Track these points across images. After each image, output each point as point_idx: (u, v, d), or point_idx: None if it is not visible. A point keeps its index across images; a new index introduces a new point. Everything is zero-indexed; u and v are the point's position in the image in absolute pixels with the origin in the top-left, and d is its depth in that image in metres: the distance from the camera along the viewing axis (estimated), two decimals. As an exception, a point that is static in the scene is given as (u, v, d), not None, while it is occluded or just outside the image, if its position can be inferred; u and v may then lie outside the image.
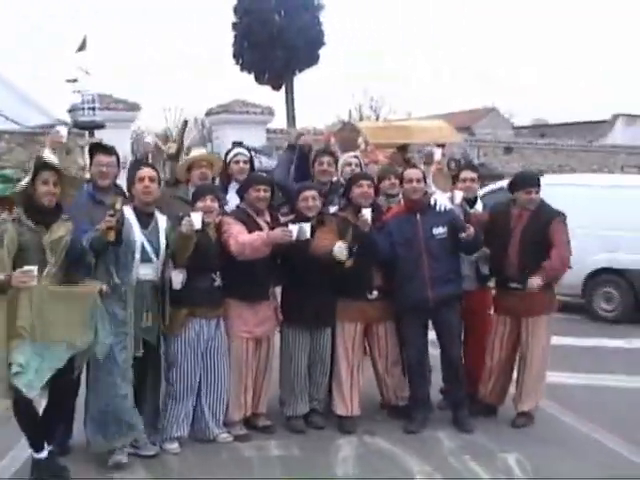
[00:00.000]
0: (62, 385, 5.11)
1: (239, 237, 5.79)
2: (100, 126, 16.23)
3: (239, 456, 5.80)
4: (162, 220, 5.69)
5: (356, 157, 7.21)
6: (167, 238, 5.62)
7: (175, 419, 5.88)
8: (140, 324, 5.49)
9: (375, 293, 6.33)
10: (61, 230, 5.16)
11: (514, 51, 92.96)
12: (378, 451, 5.94)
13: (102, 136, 16.45)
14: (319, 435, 6.28)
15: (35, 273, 4.81)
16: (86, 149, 15.45)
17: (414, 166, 7.08)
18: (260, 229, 5.99)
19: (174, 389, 5.88)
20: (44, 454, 5.15)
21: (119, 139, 15.38)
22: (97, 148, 6.16)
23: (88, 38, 16.75)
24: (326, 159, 6.89)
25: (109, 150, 6.06)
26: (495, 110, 46.00)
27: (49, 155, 5.30)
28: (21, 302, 4.86)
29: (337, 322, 6.40)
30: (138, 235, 5.49)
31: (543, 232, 6.26)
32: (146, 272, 5.51)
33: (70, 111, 18.72)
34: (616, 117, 39.33)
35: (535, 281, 6.09)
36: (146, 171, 5.69)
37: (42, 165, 5.20)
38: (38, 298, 4.90)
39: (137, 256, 5.46)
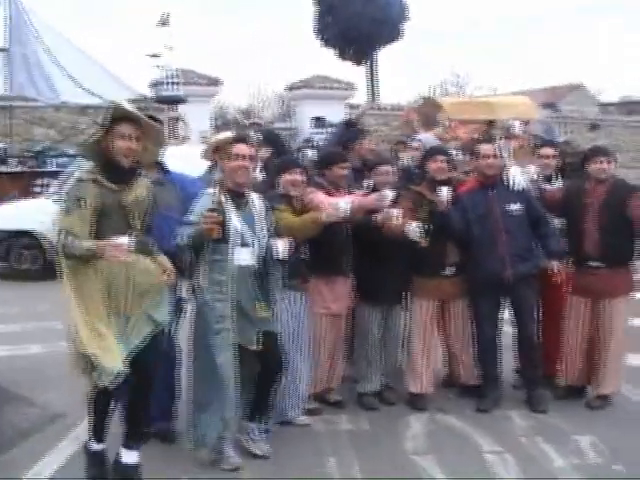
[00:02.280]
0: (146, 367, 4.61)
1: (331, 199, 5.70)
2: (182, 100, 16.46)
3: (309, 430, 5.83)
4: (257, 200, 5.27)
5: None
6: (266, 220, 5.25)
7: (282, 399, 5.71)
8: (253, 315, 5.09)
9: (451, 269, 6.27)
10: (141, 189, 4.61)
11: (602, 27, 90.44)
12: (448, 429, 5.90)
13: (184, 110, 16.73)
14: (390, 411, 6.27)
15: (130, 247, 4.29)
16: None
17: (489, 141, 6.94)
18: None
19: None
20: (102, 446, 4.75)
21: (200, 113, 15.62)
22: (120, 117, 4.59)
23: (170, 14, 17.02)
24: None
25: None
26: (581, 87, 44.92)
27: (127, 105, 4.49)
28: (105, 272, 4.41)
29: (413, 299, 6.37)
30: (233, 218, 5.05)
31: (623, 206, 6.07)
32: (245, 257, 5.06)
33: (153, 86, 19.02)
34: None
35: None
36: (242, 148, 5.18)
37: (121, 116, 4.45)
38: (127, 269, 4.47)
39: (235, 241, 5.04)
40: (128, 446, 4.76)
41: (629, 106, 42.19)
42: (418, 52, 72.92)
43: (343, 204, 5.34)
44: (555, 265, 6.15)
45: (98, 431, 4.73)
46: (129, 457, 4.75)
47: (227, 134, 6.82)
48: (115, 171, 4.48)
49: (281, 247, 5.09)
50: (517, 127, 8.71)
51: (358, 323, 6.37)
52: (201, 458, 5.16)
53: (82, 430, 5.68)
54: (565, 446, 5.50)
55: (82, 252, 4.31)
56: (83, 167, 4.54)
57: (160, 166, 5.53)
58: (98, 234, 4.39)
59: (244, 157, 5.17)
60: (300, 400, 5.90)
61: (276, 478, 5.06)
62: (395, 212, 5.71)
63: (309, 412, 6.06)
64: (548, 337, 6.45)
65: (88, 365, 4.42)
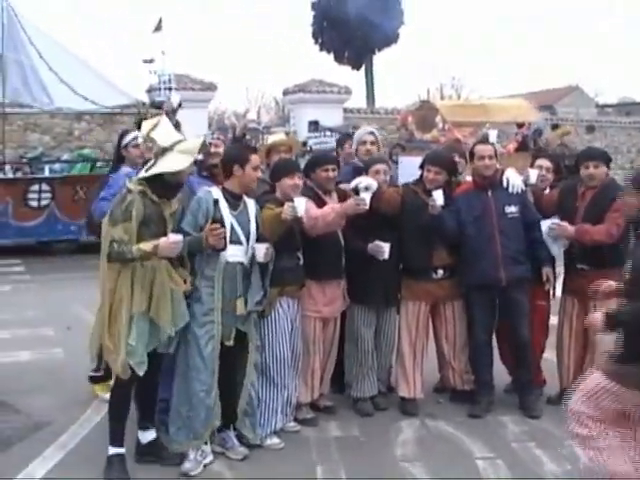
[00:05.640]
0: (157, 366, 5.11)
1: (311, 211, 5.63)
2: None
3: (297, 437, 5.75)
4: (251, 203, 5.45)
5: (372, 134, 6.93)
6: (257, 221, 5.41)
7: (274, 410, 5.65)
8: (232, 312, 5.22)
9: (440, 272, 6.19)
10: (176, 204, 5.16)
11: (600, 29, 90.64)
12: (439, 434, 5.82)
13: (178, 116, 16.64)
14: (381, 417, 6.18)
15: (180, 243, 4.86)
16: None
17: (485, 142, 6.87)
18: None
19: (270, 377, 5.64)
20: (122, 450, 5.02)
21: (195, 119, 15.51)
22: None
23: (164, 19, 16.95)
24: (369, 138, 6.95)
25: None
26: (579, 88, 45.00)
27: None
28: (142, 276, 4.86)
29: (402, 301, 6.30)
30: (227, 216, 5.22)
31: (606, 211, 5.98)
32: (235, 254, 5.23)
33: (148, 92, 18.97)
34: None
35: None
36: (257, 159, 5.47)
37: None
38: (160, 275, 4.91)
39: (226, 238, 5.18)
40: (144, 427, 5.28)
41: (627, 107, 42.20)
42: (416, 55, 73.07)
43: (297, 203, 5.33)
44: (547, 271, 6.12)
45: (118, 433, 5.03)
46: (147, 436, 5.29)
47: (280, 136, 6.83)
48: (162, 187, 4.98)
49: (261, 251, 5.27)
50: (493, 136, 8.66)
51: (349, 326, 6.28)
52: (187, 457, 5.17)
53: (68, 437, 5.71)
54: (558, 452, 5.41)
55: (134, 255, 4.78)
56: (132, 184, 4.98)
57: None
58: (137, 240, 4.84)
59: (260, 169, 5.51)
60: (289, 407, 5.81)
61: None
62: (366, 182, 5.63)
63: (305, 422, 5.97)
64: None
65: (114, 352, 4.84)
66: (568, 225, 5.97)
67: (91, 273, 5.50)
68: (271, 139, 6.69)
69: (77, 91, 16.27)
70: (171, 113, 7.10)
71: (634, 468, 4.35)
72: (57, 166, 16.82)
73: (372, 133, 6.90)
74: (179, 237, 4.86)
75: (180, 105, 15.17)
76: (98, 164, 16.77)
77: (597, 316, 4.62)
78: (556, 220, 6.13)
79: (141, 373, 4.86)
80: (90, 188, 15.10)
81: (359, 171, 6.29)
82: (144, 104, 18.67)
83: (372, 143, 6.77)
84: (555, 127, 19.57)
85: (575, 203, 6.17)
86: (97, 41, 65.83)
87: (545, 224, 6.18)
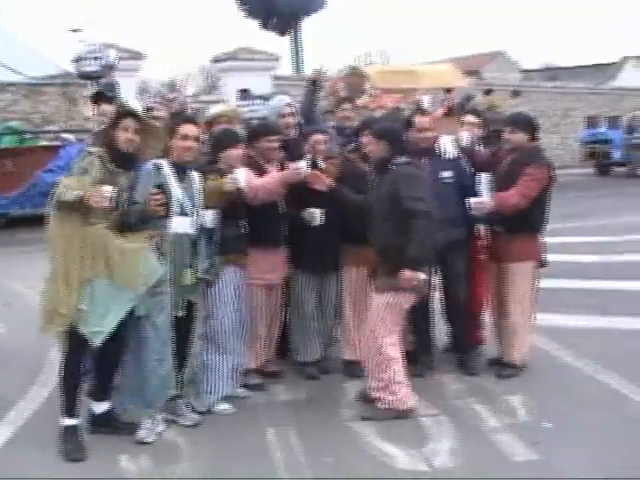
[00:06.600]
0: (121, 336, 5.08)
1: (252, 182, 5.68)
2: (103, 75, 16.14)
3: (247, 402, 5.85)
4: (195, 176, 5.48)
5: (289, 105, 6.78)
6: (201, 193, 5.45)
7: (221, 376, 5.75)
8: (181, 282, 5.28)
9: (380, 238, 6.30)
10: (129, 177, 5.21)
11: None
12: (384, 394, 5.97)
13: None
14: (326, 379, 6.34)
15: (110, 194, 4.78)
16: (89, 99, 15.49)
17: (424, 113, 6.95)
18: None
19: (217, 344, 5.73)
20: (76, 421, 5.08)
21: (124, 88, 15.33)
22: (101, 98, 6.39)
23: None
24: (347, 106, 7.16)
25: (111, 100, 6.21)
26: (503, 54, 45.47)
27: (133, 103, 5.37)
28: (92, 241, 4.88)
29: (344, 267, 6.42)
30: (175, 188, 5.29)
31: (517, 177, 6.10)
32: (183, 226, 5.31)
33: (75, 61, 18.66)
34: (626, 59, 38.97)
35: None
36: (189, 129, 5.41)
37: (124, 112, 5.19)
38: (112, 238, 4.93)
39: (174, 209, 5.26)
40: (99, 399, 5.33)
41: (551, 72, 42.90)
42: (343, 22, 72.94)
43: (238, 175, 5.43)
44: (480, 229, 6.38)
45: (71, 405, 5.08)
46: (101, 407, 5.33)
47: (222, 107, 6.81)
48: (116, 156, 5.12)
49: (209, 217, 5.40)
50: (426, 101, 8.74)
51: (292, 292, 6.40)
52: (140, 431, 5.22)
53: (17, 413, 5.69)
54: (497, 405, 5.66)
55: (71, 198, 4.78)
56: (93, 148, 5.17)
57: None
58: None
59: (192, 138, 5.39)
60: (237, 373, 5.92)
61: (214, 450, 5.08)
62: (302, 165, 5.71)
63: (252, 387, 6.08)
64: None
65: (64, 322, 4.89)
66: (487, 201, 6.02)
67: (23, 248, 5.45)
68: (213, 110, 6.68)
69: (2, 62, 15.97)
70: (108, 69, 7.07)
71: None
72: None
73: (289, 105, 6.80)
74: (110, 188, 4.81)
75: (118, 60, 14.99)
76: (27, 136, 16.49)
77: (405, 273, 5.35)
78: (477, 199, 6.19)
79: (97, 342, 4.86)
80: (20, 161, 14.91)
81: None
82: (70, 74, 18.39)
83: (290, 115, 6.73)
84: (488, 92, 19.83)
85: (497, 167, 6.31)
86: (20, 9, 63.89)
87: (481, 183, 6.20)
